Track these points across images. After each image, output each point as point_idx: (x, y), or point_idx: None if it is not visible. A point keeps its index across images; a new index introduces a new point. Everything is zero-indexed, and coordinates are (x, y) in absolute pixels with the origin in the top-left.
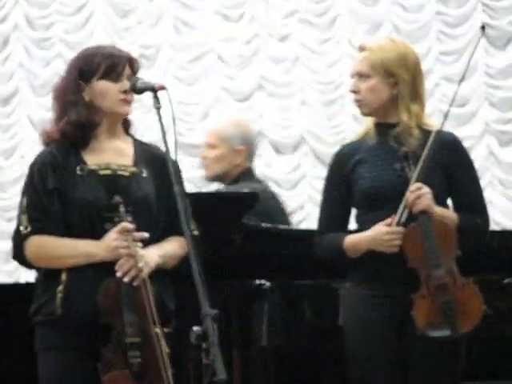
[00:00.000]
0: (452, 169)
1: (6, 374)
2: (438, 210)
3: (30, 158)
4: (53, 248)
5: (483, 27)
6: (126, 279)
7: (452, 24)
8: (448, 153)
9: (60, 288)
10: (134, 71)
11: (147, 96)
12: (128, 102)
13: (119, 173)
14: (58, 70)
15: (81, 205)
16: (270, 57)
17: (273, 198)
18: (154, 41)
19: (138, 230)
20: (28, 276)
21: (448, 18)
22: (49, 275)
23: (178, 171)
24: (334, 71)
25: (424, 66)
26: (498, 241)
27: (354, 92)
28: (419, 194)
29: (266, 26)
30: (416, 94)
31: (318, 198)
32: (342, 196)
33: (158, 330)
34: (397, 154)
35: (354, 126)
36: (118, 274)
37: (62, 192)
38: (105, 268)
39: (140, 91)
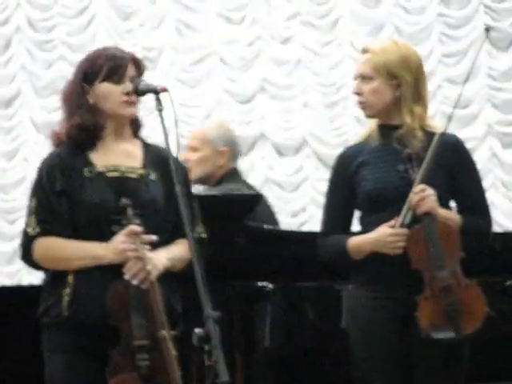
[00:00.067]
0: (455, 170)
1: (9, 375)
2: (442, 211)
3: (33, 160)
4: (60, 250)
5: (487, 29)
6: (134, 282)
7: (454, 26)
8: (451, 154)
9: (67, 290)
10: (140, 72)
11: (149, 98)
12: (131, 104)
13: (127, 175)
14: (60, 72)
15: (88, 207)
16: (272, 59)
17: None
18: (156, 43)
19: (146, 232)
20: (30, 278)
21: (450, 19)
22: (56, 277)
23: (184, 174)
24: (336, 73)
25: (426, 68)
26: (501, 242)
27: (357, 94)
28: (423, 195)
29: (268, 28)
30: (419, 96)
31: (321, 200)
32: (345, 198)
33: (166, 332)
34: (400, 156)
35: (357, 127)
36: (126, 277)
37: (70, 194)
38: (112, 270)
39: (142, 93)
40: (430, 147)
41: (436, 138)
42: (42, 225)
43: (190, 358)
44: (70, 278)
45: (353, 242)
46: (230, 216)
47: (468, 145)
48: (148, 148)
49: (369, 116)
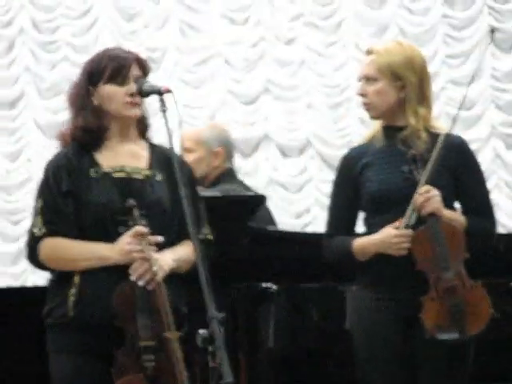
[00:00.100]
0: (459, 171)
1: (13, 375)
2: (447, 212)
3: (36, 161)
4: (66, 250)
5: (493, 30)
6: (140, 283)
7: (458, 27)
8: (455, 155)
9: (72, 291)
10: (145, 72)
11: (153, 99)
12: (135, 105)
13: (133, 176)
14: (63, 73)
15: (94, 207)
16: (276, 60)
17: None
18: (159, 44)
19: (152, 233)
20: (34, 279)
21: (454, 20)
22: (62, 277)
23: (190, 175)
24: (340, 74)
25: (430, 69)
26: (505, 244)
27: (362, 95)
28: (428, 196)
29: (272, 29)
30: (423, 97)
31: (325, 201)
32: (349, 199)
33: (172, 333)
34: (405, 157)
35: (361, 129)
36: (133, 278)
37: (76, 194)
38: (118, 271)
39: (146, 94)
40: (435, 148)
41: (441, 139)
42: (48, 225)
43: (194, 359)
44: (76, 279)
45: (358, 243)
46: (233, 217)
47: (472, 146)
48: (154, 149)
49: (373, 117)
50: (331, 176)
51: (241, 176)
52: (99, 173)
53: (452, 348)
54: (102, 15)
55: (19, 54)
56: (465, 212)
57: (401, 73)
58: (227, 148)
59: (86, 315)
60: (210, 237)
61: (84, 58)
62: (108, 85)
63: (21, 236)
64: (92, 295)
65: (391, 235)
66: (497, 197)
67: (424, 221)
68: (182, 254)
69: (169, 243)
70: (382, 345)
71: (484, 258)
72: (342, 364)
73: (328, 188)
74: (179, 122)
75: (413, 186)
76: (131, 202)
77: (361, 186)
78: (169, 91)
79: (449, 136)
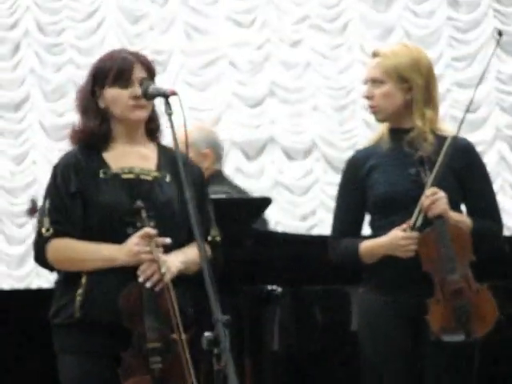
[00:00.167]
0: (465, 174)
1: (16, 376)
2: (453, 214)
3: (42, 163)
4: (74, 251)
5: (500, 33)
6: (148, 284)
7: (463, 29)
8: (462, 158)
9: (80, 291)
10: (151, 73)
11: (159, 102)
12: (140, 107)
13: (142, 177)
14: (69, 75)
15: (103, 208)
16: (282, 62)
17: None
18: (165, 46)
19: (161, 235)
20: (39, 281)
21: (459, 23)
22: (69, 278)
23: (200, 177)
24: (345, 77)
25: (435, 72)
26: (509, 246)
27: (368, 98)
28: (435, 198)
29: (278, 31)
30: (430, 99)
31: (330, 203)
32: (356, 201)
33: (179, 335)
34: (411, 159)
35: (366, 131)
36: (141, 279)
37: (84, 195)
38: (125, 272)
39: (151, 97)
40: (442, 150)
41: (448, 142)
42: (55, 226)
43: (199, 362)
44: (83, 279)
45: (365, 245)
46: (238, 219)
47: (477, 148)
48: (163, 150)
49: (379, 120)
50: (336, 178)
51: (246, 178)
52: (108, 174)
53: (458, 350)
54: (108, 18)
55: (24, 56)
56: (471, 214)
57: (407, 75)
58: (215, 150)
59: (93, 316)
60: (218, 238)
61: (89, 60)
62: (112, 88)
63: (26, 239)
64: (99, 296)
65: (398, 237)
66: (502, 199)
67: (431, 223)
68: (190, 255)
69: (177, 245)
70: (389, 347)
71: (489, 261)
72: (347, 366)
73: (333, 190)
74: (185, 124)
75: (420, 188)
76: (139, 203)
77: (367, 188)
78: (174, 94)
79: (455, 138)
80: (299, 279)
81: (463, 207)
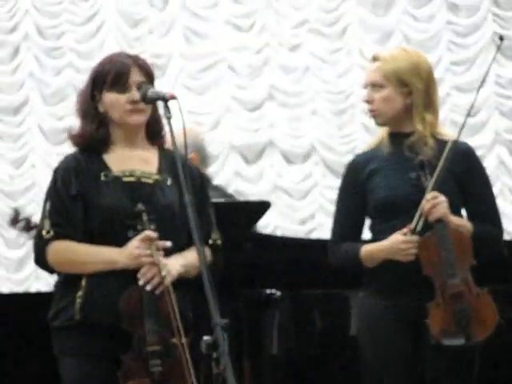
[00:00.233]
0: (466, 178)
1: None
2: (454, 218)
3: (41, 167)
4: (75, 253)
5: (501, 38)
6: (148, 287)
7: (463, 33)
8: (462, 162)
9: (80, 293)
10: (150, 77)
11: (161, 105)
12: (138, 112)
13: (143, 180)
14: (68, 79)
15: (104, 211)
16: (281, 66)
17: None
18: (164, 50)
19: (161, 238)
20: (38, 285)
21: (458, 27)
22: (69, 280)
23: (202, 180)
24: (344, 81)
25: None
26: (509, 250)
27: (368, 102)
28: (435, 202)
29: (277, 35)
30: (430, 103)
31: (329, 207)
32: (356, 205)
33: (180, 338)
34: (412, 163)
35: (365, 135)
36: (141, 282)
37: (85, 198)
38: (125, 275)
39: (150, 101)
40: (443, 155)
41: (449, 146)
42: (56, 228)
43: (198, 365)
44: (84, 282)
45: (365, 249)
46: (237, 223)
47: (476, 153)
48: (164, 154)
49: (379, 124)
50: (335, 182)
51: (245, 182)
52: (109, 176)
53: (458, 353)
54: (107, 21)
55: (24, 59)
56: (471, 218)
57: (407, 79)
58: (201, 153)
59: (93, 318)
60: (219, 242)
61: (88, 64)
62: (110, 92)
63: (25, 242)
64: (99, 299)
65: (399, 241)
66: (501, 203)
67: (431, 227)
68: (190, 259)
69: (177, 248)
70: (389, 351)
71: (489, 265)
72: (346, 370)
73: (332, 194)
74: (184, 128)
75: (420, 192)
76: (140, 206)
77: (367, 192)
78: (173, 97)
79: (456, 143)
80: (298, 283)
81: (464, 212)
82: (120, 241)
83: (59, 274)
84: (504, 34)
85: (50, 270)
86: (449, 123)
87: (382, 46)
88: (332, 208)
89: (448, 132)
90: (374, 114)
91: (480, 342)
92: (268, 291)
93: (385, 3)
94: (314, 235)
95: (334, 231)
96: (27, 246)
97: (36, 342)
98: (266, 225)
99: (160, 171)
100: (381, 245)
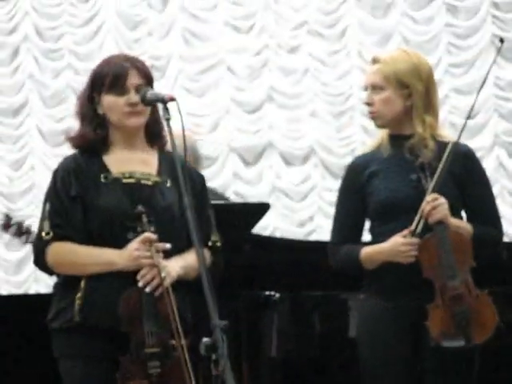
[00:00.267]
0: (465, 179)
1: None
2: (454, 220)
3: (40, 169)
4: (74, 255)
5: (502, 40)
6: (147, 289)
7: (462, 36)
8: (461, 164)
9: (79, 295)
10: (148, 79)
11: (158, 107)
12: (136, 114)
13: (143, 182)
14: (67, 81)
15: (103, 213)
16: (280, 68)
17: None
18: (163, 52)
19: (161, 240)
20: (37, 287)
21: (458, 29)
22: (68, 282)
23: (201, 182)
24: (343, 83)
25: None
26: (507, 252)
27: (368, 104)
28: (435, 204)
29: (276, 37)
30: (430, 105)
31: (328, 209)
32: (356, 207)
33: (179, 340)
34: (412, 166)
35: (364, 137)
36: (140, 284)
37: (84, 199)
38: (125, 277)
39: (150, 102)
40: (444, 157)
41: (449, 148)
42: (55, 230)
43: (197, 367)
44: (83, 283)
45: (366, 251)
46: (236, 225)
47: None
48: (164, 156)
49: (379, 126)
50: (334, 184)
51: (244, 184)
52: (109, 178)
53: (458, 355)
54: (106, 23)
55: (23, 61)
56: (471, 220)
57: (407, 81)
58: (193, 155)
59: (92, 320)
60: (219, 244)
61: (88, 65)
62: (108, 95)
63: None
64: (98, 300)
65: (399, 243)
66: (500, 206)
67: (431, 229)
68: (189, 261)
69: (177, 250)
70: (389, 352)
71: (488, 267)
72: (345, 372)
73: (331, 196)
74: (183, 130)
75: (421, 194)
76: (140, 208)
77: (367, 194)
78: (173, 99)
79: (456, 144)
80: (297, 285)
81: (464, 213)
82: (119, 242)
83: (58, 275)
84: (503, 36)
85: (50, 272)
86: (447, 125)
87: (381, 48)
88: (331, 210)
89: (448, 134)
90: (374, 116)
91: (480, 344)
92: (267, 293)
93: (384, 5)
94: (313, 237)
95: (334, 233)
96: (26, 247)
97: (35, 343)
98: (266, 226)
99: (160, 173)
100: (381, 247)
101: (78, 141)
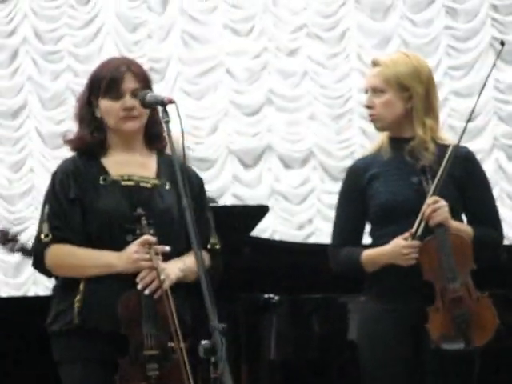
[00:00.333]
0: (465, 182)
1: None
2: (454, 223)
3: (39, 171)
4: (73, 257)
5: (503, 43)
6: (146, 292)
7: (461, 38)
8: (462, 166)
9: (78, 298)
10: (145, 82)
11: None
12: (132, 119)
13: (142, 184)
14: (66, 83)
15: (102, 215)
16: (279, 71)
17: None
18: (163, 54)
19: (160, 242)
20: (36, 289)
21: (457, 32)
22: (67, 284)
23: (200, 185)
24: (342, 85)
25: None
26: (507, 255)
27: (368, 107)
28: (436, 207)
29: (275, 40)
30: (430, 108)
31: (327, 212)
32: (356, 210)
33: (177, 343)
34: (413, 168)
35: (363, 140)
36: (139, 287)
37: (83, 201)
38: (124, 279)
39: (149, 105)
40: (444, 159)
41: (450, 151)
42: (54, 232)
43: (196, 370)
44: (82, 286)
45: (367, 254)
46: (235, 228)
47: None
48: (163, 158)
49: (379, 129)
50: (333, 187)
51: (243, 187)
52: (108, 180)
53: (458, 357)
54: (106, 25)
55: (22, 63)
56: (471, 222)
57: (408, 84)
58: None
59: (91, 322)
60: (218, 246)
61: (87, 68)
62: (104, 99)
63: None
64: (98, 303)
65: (400, 246)
66: (499, 208)
67: (432, 231)
68: (188, 263)
69: (176, 253)
70: (389, 354)
71: (488, 269)
72: (344, 375)
73: (330, 199)
74: (182, 132)
75: (421, 197)
76: (139, 210)
77: (368, 197)
78: (172, 102)
79: (457, 147)
80: (296, 288)
81: (464, 216)
82: (118, 245)
83: (57, 278)
84: (503, 38)
85: (48, 274)
86: (446, 128)
87: (380, 50)
88: (330, 213)
89: (448, 137)
90: (375, 118)
91: (480, 346)
92: (266, 296)
93: (383, 8)
94: (312, 240)
95: (334, 236)
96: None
97: (34, 345)
98: (264, 229)
99: (158, 176)
100: (382, 249)
101: (76, 143)
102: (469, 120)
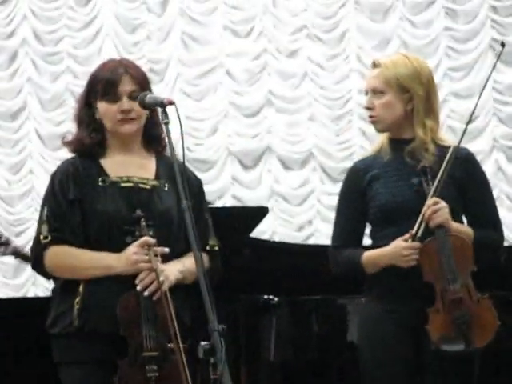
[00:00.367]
0: (466, 183)
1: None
2: (455, 224)
3: (38, 172)
4: (72, 258)
5: (503, 44)
6: (146, 293)
7: (461, 39)
8: (462, 167)
9: (77, 299)
10: (143, 85)
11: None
12: (129, 121)
13: (141, 186)
14: (66, 84)
15: (101, 217)
16: (279, 72)
17: None
18: (162, 56)
19: (159, 244)
20: (36, 291)
21: (457, 33)
22: (66, 286)
23: (199, 186)
24: (342, 87)
25: None
26: (506, 256)
27: (368, 108)
28: (436, 208)
29: (275, 41)
30: (430, 109)
31: (327, 213)
32: (357, 211)
33: (176, 344)
34: (413, 169)
35: (362, 141)
36: (139, 288)
37: (83, 203)
38: (123, 281)
39: (149, 106)
40: (445, 160)
41: (450, 152)
42: (53, 233)
43: (196, 371)
44: (81, 287)
45: (367, 255)
46: (235, 229)
47: None
48: (162, 160)
49: (379, 130)
50: (333, 188)
51: (243, 188)
52: (107, 182)
53: (458, 359)
54: (105, 27)
55: (21, 65)
56: (472, 223)
57: (408, 85)
58: None
59: (91, 324)
60: (217, 248)
61: (86, 69)
62: (102, 102)
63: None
64: (97, 304)
65: (401, 247)
66: (498, 210)
67: (432, 233)
68: (188, 265)
69: (175, 254)
70: (389, 356)
71: (488, 271)
72: (343, 376)
73: (330, 200)
74: (181, 133)
75: (422, 198)
76: (139, 212)
77: (368, 198)
78: (172, 103)
79: (457, 148)
80: (296, 289)
81: (464, 218)
82: (118, 246)
83: (56, 279)
84: (502, 39)
85: (47, 275)
86: (446, 129)
87: (380, 52)
88: (329, 214)
89: (448, 138)
90: (375, 120)
91: (480, 347)
92: (266, 297)
93: (383, 9)
94: (312, 241)
95: (335, 237)
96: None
97: (34, 346)
98: (264, 230)
99: (157, 177)
100: (383, 250)
101: (75, 145)
102: (469, 121)
